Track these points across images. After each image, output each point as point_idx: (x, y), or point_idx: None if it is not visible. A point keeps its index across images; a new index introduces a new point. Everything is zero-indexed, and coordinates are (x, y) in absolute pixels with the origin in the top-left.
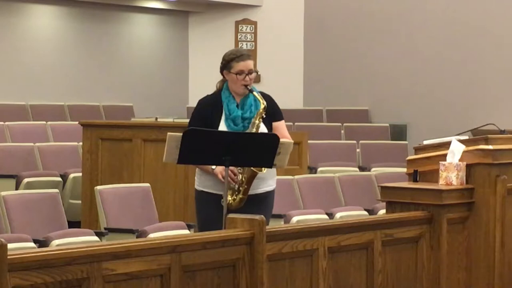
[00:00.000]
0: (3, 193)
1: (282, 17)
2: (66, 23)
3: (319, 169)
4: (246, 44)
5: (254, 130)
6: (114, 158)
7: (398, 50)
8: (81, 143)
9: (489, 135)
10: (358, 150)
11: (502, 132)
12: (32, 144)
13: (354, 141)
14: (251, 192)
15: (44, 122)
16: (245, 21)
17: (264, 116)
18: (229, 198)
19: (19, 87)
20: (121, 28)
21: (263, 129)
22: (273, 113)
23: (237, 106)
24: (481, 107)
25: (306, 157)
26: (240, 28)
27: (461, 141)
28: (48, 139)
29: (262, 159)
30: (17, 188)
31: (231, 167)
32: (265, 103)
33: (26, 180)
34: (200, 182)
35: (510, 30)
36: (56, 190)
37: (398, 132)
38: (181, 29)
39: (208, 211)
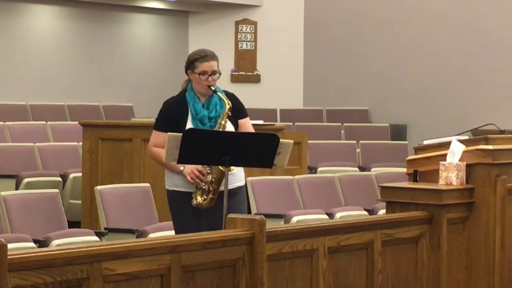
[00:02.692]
0: (3, 193)
1: (282, 17)
2: (66, 23)
3: (319, 169)
4: (246, 44)
5: (221, 130)
6: (114, 158)
7: (398, 50)
8: (81, 143)
9: (489, 135)
10: (358, 150)
11: (502, 132)
12: (32, 144)
13: (354, 141)
14: (222, 188)
15: (44, 122)
16: (245, 21)
17: (230, 115)
18: (199, 198)
19: (19, 87)
20: (121, 28)
21: (229, 127)
22: (238, 110)
23: (203, 106)
24: (481, 107)
25: (306, 157)
26: (240, 28)
27: (461, 141)
28: (48, 139)
29: (262, 159)
30: (17, 188)
31: (199, 168)
32: (230, 103)
33: (26, 180)
34: (171, 181)
35: (510, 31)
36: (56, 190)
37: (398, 132)
38: (181, 29)
39: (181, 210)
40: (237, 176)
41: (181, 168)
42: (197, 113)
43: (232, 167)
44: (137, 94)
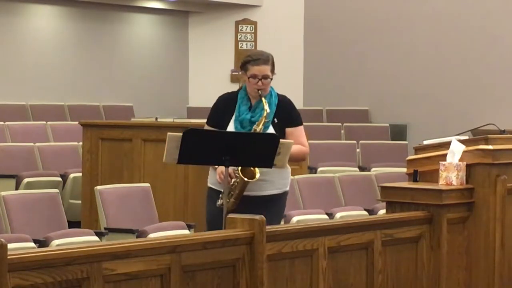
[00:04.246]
0: (3, 193)
1: (282, 17)
2: (66, 23)
3: (319, 169)
4: (246, 44)
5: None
6: (114, 158)
7: (398, 50)
8: (81, 143)
9: (489, 135)
10: (358, 150)
11: (502, 132)
12: (32, 144)
13: (354, 141)
14: (255, 193)
15: (44, 122)
16: (245, 21)
17: (276, 121)
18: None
19: (19, 87)
20: (121, 28)
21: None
22: (287, 118)
23: (250, 108)
24: (481, 107)
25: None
26: (240, 28)
27: (461, 141)
28: (48, 139)
29: (262, 159)
30: (17, 188)
31: (229, 171)
32: (268, 110)
33: (26, 180)
34: (210, 178)
35: (510, 30)
36: (56, 190)
37: (398, 132)
38: (181, 29)
39: (212, 207)
40: (273, 183)
41: (216, 166)
42: (239, 115)
43: (256, 177)
44: (137, 94)
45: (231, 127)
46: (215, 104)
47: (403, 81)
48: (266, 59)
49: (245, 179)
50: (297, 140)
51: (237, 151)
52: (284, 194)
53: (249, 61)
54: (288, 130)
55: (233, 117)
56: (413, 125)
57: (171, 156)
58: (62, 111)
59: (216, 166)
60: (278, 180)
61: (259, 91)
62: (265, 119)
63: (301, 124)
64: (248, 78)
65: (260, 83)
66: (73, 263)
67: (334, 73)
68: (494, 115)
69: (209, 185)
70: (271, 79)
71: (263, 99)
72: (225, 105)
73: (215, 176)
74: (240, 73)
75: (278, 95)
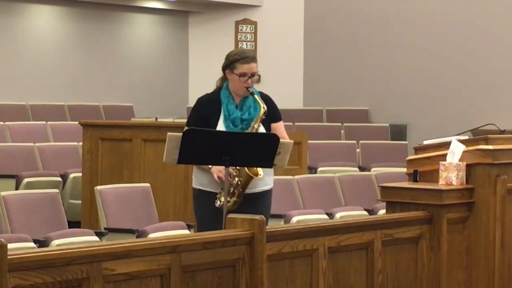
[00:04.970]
0: (3, 193)
1: (282, 17)
2: (66, 23)
3: (319, 169)
4: (246, 44)
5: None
6: (114, 158)
7: (398, 50)
8: (81, 143)
9: (489, 135)
10: (358, 150)
11: (502, 132)
12: (32, 144)
13: (354, 141)
14: (248, 191)
15: (44, 122)
16: (245, 21)
17: (263, 118)
18: (224, 200)
19: (19, 87)
20: (121, 28)
21: (262, 131)
22: (272, 114)
23: (236, 107)
24: (481, 107)
25: (306, 157)
26: (240, 28)
27: (461, 141)
28: (48, 139)
29: (262, 159)
30: (17, 188)
31: (228, 169)
32: (265, 107)
33: (26, 180)
34: (197, 180)
35: (510, 30)
36: (56, 190)
37: (398, 132)
38: (181, 29)
39: (203, 209)
40: (263, 179)
41: (210, 166)
42: (229, 114)
43: (260, 173)
44: (137, 94)
45: (221, 127)
46: (198, 107)
47: (403, 81)
48: (254, 56)
49: (253, 176)
50: (280, 135)
51: (237, 151)
52: (271, 190)
53: (238, 60)
54: (272, 125)
55: (221, 117)
56: (413, 125)
57: (171, 156)
58: (62, 111)
59: (210, 166)
60: (266, 177)
61: (249, 89)
62: (263, 116)
63: (281, 119)
64: (239, 76)
65: (249, 81)
66: (73, 263)
67: (334, 73)
68: (494, 115)
69: (197, 187)
70: (259, 76)
71: (256, 96)
72: (209, 106)
73: (205, 177)
74: (226, 72)
75: (259, 92)
